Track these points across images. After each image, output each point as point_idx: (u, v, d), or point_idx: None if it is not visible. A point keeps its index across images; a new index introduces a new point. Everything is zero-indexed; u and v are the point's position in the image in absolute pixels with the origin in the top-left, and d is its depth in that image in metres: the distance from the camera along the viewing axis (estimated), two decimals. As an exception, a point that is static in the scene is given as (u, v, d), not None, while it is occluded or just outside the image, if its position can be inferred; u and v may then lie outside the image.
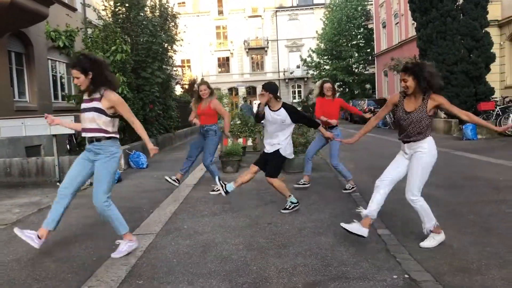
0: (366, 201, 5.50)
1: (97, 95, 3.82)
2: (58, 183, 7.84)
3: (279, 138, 5.24)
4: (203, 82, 6.85)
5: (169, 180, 6.60)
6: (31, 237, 3.89)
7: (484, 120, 12.56)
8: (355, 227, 3.94)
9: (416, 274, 3.31)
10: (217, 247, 4.11)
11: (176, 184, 6.69)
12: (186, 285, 3.26)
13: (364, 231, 3.91)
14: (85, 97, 3.93)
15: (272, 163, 5.28)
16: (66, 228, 4.89)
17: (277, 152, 5.25)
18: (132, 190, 7.14)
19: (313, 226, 4.70)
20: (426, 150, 3.87)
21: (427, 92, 3.78)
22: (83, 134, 3.97)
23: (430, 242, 3.94)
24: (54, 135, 8.06)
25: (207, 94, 6.48)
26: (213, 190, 6.61)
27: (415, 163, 3.90)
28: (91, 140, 3.89)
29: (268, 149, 5.34)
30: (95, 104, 3.81)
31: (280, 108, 5.18)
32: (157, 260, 3.82)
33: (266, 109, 5.25)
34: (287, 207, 5.33)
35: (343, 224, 4.02)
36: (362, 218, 4.03)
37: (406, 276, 3.29)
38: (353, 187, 6.40)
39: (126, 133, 10.31)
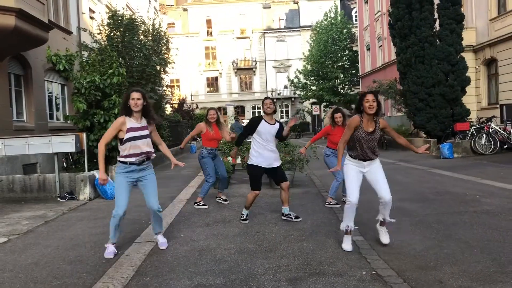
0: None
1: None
2: (58, 199, 8.36)
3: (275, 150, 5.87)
4: (211, 107, 7.53)
5: (201, 207, 7.23)
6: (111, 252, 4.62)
7: (460, 139, 13.42)
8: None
9: (382, 271, 3.92)
10: (212, 251, 4.67)
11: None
12: (186, 280, 3.81)
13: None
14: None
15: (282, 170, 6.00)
16: (74, 237, 5.42)
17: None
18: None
19: (296, 234, 5.29)
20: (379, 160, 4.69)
21: (377, 116, 4.50)
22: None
23: (387, 237, 4.72)
24: (56, 153, 8.57)
25: (215, 118, 7.18)
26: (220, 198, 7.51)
27: (379, 171, 4.62)
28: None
29: (273, 163, 5.83)
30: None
31: (275, 122, 5.85)
32: (159, 262, 4.37)
33: (262, 123, 5.73)
34: (242, 217, 6.03)
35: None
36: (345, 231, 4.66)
37: (374, 272, 3.89)
38: (335, 204, 6.95)
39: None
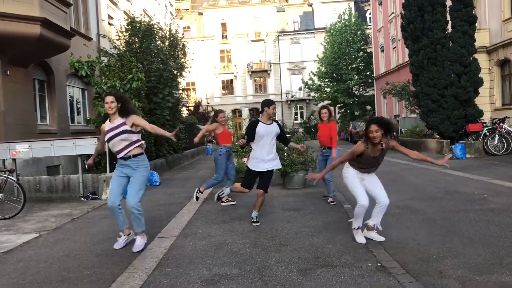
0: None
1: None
2: (82, 198, 8.80)
3: (274, 153, 6.09)
4: (220, 110, 8.16)
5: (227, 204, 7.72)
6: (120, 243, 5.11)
7: (473, 140, 13.53)
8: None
9: (386, 263, 4.20)
10: (228, 246, 5.01)
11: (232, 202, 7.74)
12: (205, 271, 4.15)
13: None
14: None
15: (270, 179, 6.10)
16: (100, 233, 5.81)
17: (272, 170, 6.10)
18: (150, 204, 8.03)
19: (308, 231, 5.59)
20: None
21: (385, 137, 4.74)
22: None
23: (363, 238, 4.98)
24: (79, 155, 9.02)
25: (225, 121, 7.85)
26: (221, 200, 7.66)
27: (376, 177, 5.03)
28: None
29: (268, 166, 5.99)
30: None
31: (272, 122, 6.05)
32: (179, 255, 4.72)
33: (259, 125, 5.91)
34: (254, 220, 6.11)
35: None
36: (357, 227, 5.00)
37: (379, 264, 4.17)
38: (333, 203, 7.30)
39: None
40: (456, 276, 3.76)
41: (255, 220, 6.06)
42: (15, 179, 7.25)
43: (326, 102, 40.22)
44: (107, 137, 4.93)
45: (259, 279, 3.86)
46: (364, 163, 4.89)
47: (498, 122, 14.30)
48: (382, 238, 4.97)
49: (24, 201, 7.06)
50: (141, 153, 5.00)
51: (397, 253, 4.51)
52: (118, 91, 10.71)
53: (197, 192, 7.76)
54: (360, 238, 4.96)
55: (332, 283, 3.71)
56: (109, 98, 4.92)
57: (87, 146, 8.84)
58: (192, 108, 29.44)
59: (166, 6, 30.78)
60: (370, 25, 37.02)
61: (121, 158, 4.93)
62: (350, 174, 4.96)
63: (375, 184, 4.97)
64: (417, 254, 4.45)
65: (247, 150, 11.40)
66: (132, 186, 4.90)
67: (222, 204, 7.58)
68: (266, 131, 5.91)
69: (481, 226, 5.39)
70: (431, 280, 3.68)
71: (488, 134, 13.94)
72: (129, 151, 4.90)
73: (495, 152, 13.41)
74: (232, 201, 7.71)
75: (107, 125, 4.99)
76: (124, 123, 4.91)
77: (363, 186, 4.94)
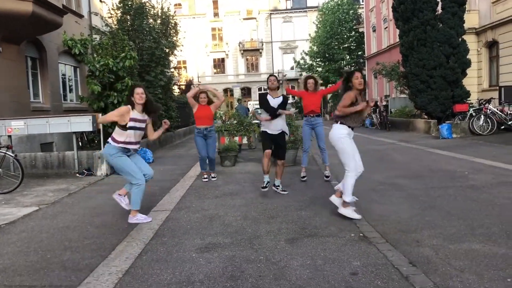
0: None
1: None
2: (77, 174, 9.01)
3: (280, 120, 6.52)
4: (202, 91, 8.04)
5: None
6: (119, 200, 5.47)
7: (459, 120, 13.87)
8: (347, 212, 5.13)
9: (368, 233, 4.51)
10: (221, 218, 5.29)
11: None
12: (199, 240, 4.43)
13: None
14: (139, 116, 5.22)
15: (283, 146, 6.66)
16: (97, 207, 6.07)
17: (282, 133, 6.56)
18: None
19: (296, 205, 5.89)
20: None
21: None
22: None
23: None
24: (74, 132, 9.19)
25: (206, 101, 7.86)
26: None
27: (354, 143, 5.30)
28: None
29: (280, 129, 6.54)
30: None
31: (279, 95, 6.65)
32: (174, 226, 5.00)
33: (268, 97, 6.58)
34: (264, 185, 6.55)
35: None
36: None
37: (361, 234, 4.48)
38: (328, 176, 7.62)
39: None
40: (431, 244, 4.08)
41: (281, 188, 6.59)
42: (13, 155, 7.43)
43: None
44: (131, 124, 5.11)
45: (250, 247, 4.15)
46: (354, 121, 5.13)
47: (484, 103, 14.63)
48: (359, 216, 5.05)
49: (22, 177, 7.27)
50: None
51: (379, 225, 4.82)
52: (111, 69, 10.82)
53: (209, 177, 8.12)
54: (355, 214, 5.09)
55: (317, 251, 4.01)
56: (140, 90, 5.19)
57: (82, 123, 9.01)
58: (183, 87, 29.41)
59: (157, -17, 30.42)
60: (363, 5, 36.95)
61: (130, 149, 5.23)
62: (346, 140, 5.12)
63: (356, 150, 5.22)
64: (397, 226, 4.76)
65: (239, 129, 11.68)
66: (143, 163, 5.44)
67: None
68: (272, 103, 6.54)
69: (459, 201, 5.72)
70: (408, 249, 4.00)
71: (474, 114, 14.28)
72: (139, 146, 5.37)
73: (480, 132, 13.77)
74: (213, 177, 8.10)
75: (132, 113, 5.14)
76: (145, 121, 5.27)
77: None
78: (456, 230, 4.48)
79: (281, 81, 49.49)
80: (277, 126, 6.53)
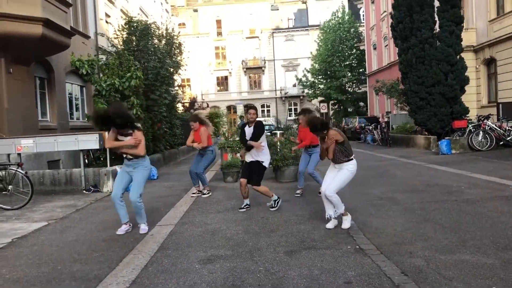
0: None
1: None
2: (84, 191, 9.26)
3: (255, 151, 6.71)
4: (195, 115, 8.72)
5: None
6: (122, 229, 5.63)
7: (458, 136, 14.07)
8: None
9: (364, 245, 4.71)
10: (223, 232, 5.51)
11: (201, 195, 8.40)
12: (202, 252, 4.65)
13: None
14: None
15: (256, 172, 6.72)
16: (104, 222, 6.30)
17: (256, 162, 6.71)
18: (149, 196, 8.50)
19: (296, 219, 6.10)
20: None
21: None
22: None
23: (346, 223, 5.48)
24: (81, 150, 9.47)
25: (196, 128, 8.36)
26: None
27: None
28: None
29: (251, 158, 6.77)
30: None
31: (252, 125, 6.78)
32: (178, 239, 5.22)
33: (246, 127, 6.81)
34: (273, 205, 6.76)
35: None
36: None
37: (357, 247, 4.68)
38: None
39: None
40: (423, 255, 4.28)
41: (269, 205, 6.89)
42: (23, 172, 7.69)
43: (319, 98, 40.83)
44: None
45: (250, 259, 4.37)
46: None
47: (482, 119, 14.86)
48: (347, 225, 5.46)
49: (32, 193, 7.53)
50: (141, 156, 5.51)
51: (375, 237, 5.02)
52: (118, 88, 11.15)
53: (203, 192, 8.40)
54: (347, 224, 5.47)
55: (314, 262, 4.21)
56: None
57: (89, 141, 9.29)
58: (187, 105, 29.84)
59: (161, 3, 31.13)
60: (363, 23, 37.54)
61: (125, 158, 5.53)
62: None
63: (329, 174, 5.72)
64: (392, 238, 4.97)
65: (241, 146, 11.92)
66: (133, 184, 5.54)
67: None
68: (247, 132, 6.79)
69: (453, 214, 5.92)
70: (401, 259, 4.20)
71: (473, 130, 14.49)
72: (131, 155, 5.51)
73: (479, 148, 13.97)
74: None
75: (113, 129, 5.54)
76: (126, 134, 5.56)
77: None
78: (448, 242, 4.68)
79: (283, 98, 49.97)
80: (251, 155, 6.74)
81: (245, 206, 6.89)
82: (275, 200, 6.81)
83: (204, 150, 8.32)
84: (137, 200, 5.49)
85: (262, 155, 6.73)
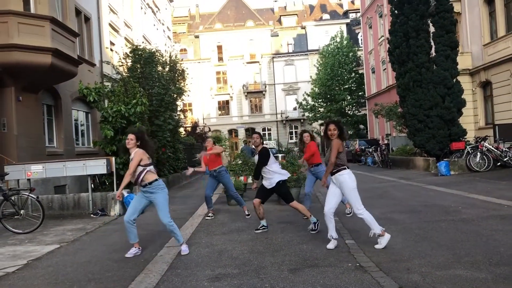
0: (342, 223, 7.22)
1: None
2: (92, 215, 9.50)
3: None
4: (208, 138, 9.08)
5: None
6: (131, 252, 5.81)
7: (457, 158, 14.33)
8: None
9: (364, 263, 4.95)
10: (229, 252, 5.75)
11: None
12: (209, 271, 4.89)
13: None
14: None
15: (282, 192, 6.92)
16: (114, 244, 6.54)
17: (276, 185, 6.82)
18: (156, 219, 8.58)
19: (299, 239, 6.34)
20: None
21: None
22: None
23: (380, 244, 5.62)
24: (89, 175, 9.76)
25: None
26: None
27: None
28: None
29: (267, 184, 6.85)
30: None
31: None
32: (187, 260, 5.46)
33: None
34: (313, 228, 6.75)
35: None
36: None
37: (358, 264, 4.92)
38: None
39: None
40: (420, 271, 4.52)
41: (311, 228, 6.82)
42: (35, 197, 7.97)
43: (320, 121, 41.25)
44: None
45: (256, 276, 4.61)
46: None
47: (479, 140, 15.16)
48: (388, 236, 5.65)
49: (43, 217, 7.78)
50: (156, 179, 5.77)
51: (374, 255, 5.26)
52: (123, 115, 11.50)
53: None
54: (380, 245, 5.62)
55: (317, 279, 4.45)
56: (130, 136, 5.83)
57: (97, 166, 9.58)
58: (189, 129, 30.25)
59: (164, 31, 31.88)
60: (361, 47, 38.26)
61: (140, 185, 5.79)
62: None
63: (332, 193, 5.95)
64: (391, 256, 5.21)
65: (244, 169, 12.22)
66: (159, 208, 5.77)
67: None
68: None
69: (449, 233, 6.16)
70: (399, 275, 4.44)
71: (470, 152, 14.78)
72: (141, 179, 5.72)
73: (477, 169, 14.23)
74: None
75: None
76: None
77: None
78: (444, 258, 4.92)
79: (284, 122, 50.44)
80: (266, 181, 6.82)
81: (261, 227, 7.00)
82: (314, 223, 6.75)
83: (217, 172, 8.55)
84: (169, 222, 5.75)
85: (276, 177, 6.74)
